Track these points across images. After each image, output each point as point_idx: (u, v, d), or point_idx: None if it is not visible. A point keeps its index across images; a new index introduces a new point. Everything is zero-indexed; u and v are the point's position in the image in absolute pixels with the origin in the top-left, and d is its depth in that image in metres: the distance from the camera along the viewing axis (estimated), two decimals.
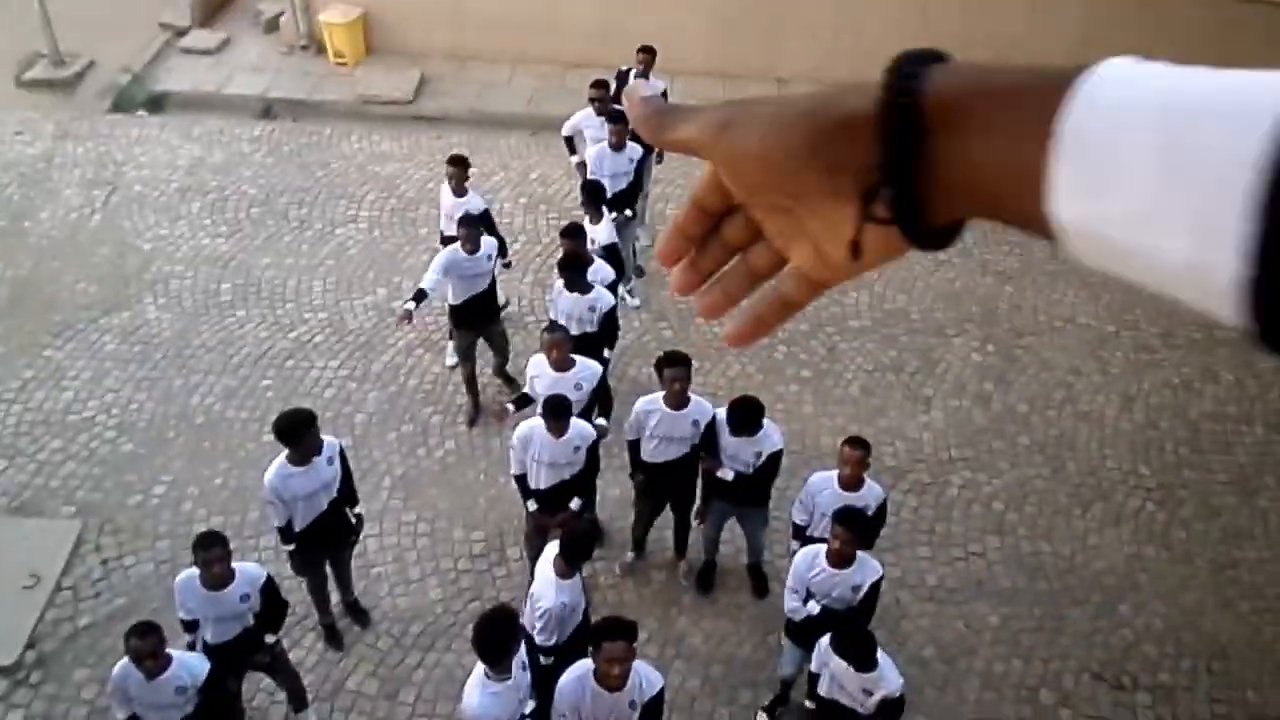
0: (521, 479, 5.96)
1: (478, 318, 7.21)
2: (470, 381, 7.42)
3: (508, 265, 7.75)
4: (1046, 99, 0.47)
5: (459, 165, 7.64)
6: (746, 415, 5.79)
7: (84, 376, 7.86)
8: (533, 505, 5.95)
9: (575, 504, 5.87)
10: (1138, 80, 0.46)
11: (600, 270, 6.89)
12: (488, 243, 7.07)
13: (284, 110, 11.14)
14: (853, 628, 5.00)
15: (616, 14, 11.35)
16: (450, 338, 7.70)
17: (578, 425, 5.76)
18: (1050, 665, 6.52)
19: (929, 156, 0.53)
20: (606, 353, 6.91)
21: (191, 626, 5.14)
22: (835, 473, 5.71)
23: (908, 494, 7.36)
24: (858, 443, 5.68)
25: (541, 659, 5.16)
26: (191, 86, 11.40)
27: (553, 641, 5.20)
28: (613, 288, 6.98)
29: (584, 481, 5.95)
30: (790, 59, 11.41)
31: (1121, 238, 0.45)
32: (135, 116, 10.96)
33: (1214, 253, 0.40)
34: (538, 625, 5.13)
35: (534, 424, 5.75)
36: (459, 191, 7.64)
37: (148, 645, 4.55)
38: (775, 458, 6.00)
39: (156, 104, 11.18)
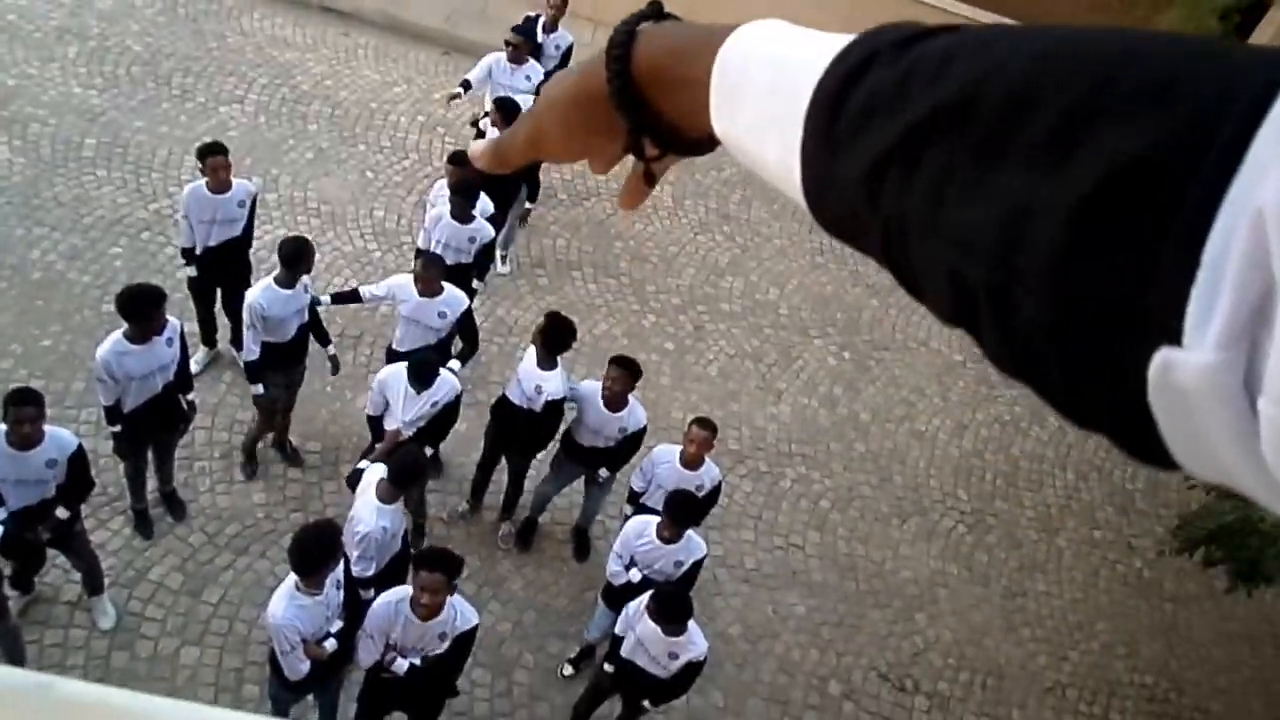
0: (375, 420, 5.78)
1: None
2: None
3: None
4: (715, 46, 0.60)
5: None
6: (558, 339, 5.89)
7: None
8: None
9: (428, 450, 5.69)
10: (768, 31, 0.59)
11: (484, 203, 6.81)
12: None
13: None
14: (674, 590, 5.15)
15: None
16: None
17: (442, 380, 5.62)
18: (844, 659, 6.88)
19: (654, 106, 0.66)
20: (476, 284, 6.85)
21: None
22: (679, 448, 5.84)
23: (744, 479, 7.60)
24: (705, 423, 5.82)
25: (361, 593, 5.10)
26: None
27: (371, 572, 5.15)
28: (493, 223, 6.90)
29: (438, 432, 5.84)
30: None
31: (745, 145, 0.58)
32: None
33: (790, 156, 0.53)
34: (356, 552, 5.07)
35: (397, 371, 5.60)
36: (463, 219, 6.64)
37: None
38: (637, 437, 6.07)
39: None
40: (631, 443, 6.10)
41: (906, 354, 9.23)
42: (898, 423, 8.57)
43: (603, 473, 6.22)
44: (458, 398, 5.77)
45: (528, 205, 8.19)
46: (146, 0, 9.86)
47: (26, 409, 4.65)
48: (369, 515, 5.05)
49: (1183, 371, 0.33)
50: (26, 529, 4.91)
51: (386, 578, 5.22)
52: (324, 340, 6.21)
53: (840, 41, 0.52)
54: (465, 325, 6.29)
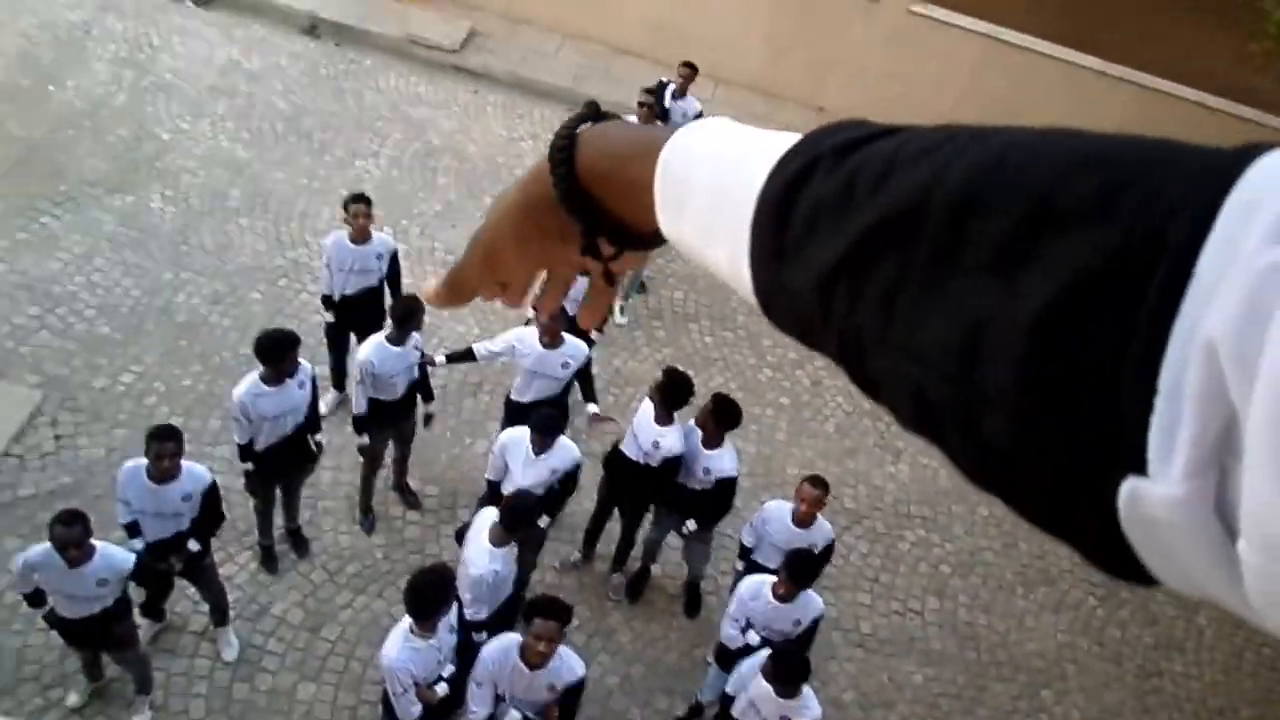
0: (494, 485, 5.81)
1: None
2: None
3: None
4: (656, 149, 0.61)
5: None
6: (727, 415, 5.79)
7: (76, 250, 7.79)
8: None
9: (544, 522, 5.67)
10: (708, 133, 0.59)
11: None
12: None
13: (329, 32, 11.06)
14: (792, 650, 5.02)
15: (675, 11, 11.33)
16: None
17: (562, 446, 5.63)
18: None
19: (603, 206, 0.67)
20: (594, 335, 6.91)
21: (133, 530, 5.08)
22: (791, 505, 5.73)
23: (859, 539, 7.40)
24: (818, 482, 5.68)
25: (474, 635, 5.14)
26: None
27: (483, 615, 5.18)
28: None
29: (555, 502, 5.82)
30: (834, 94, 11.42)
31: (694, 247, 0.58)
32: (182, 5, 10.84)
33: (739, 263, 0.52)
34: (468, 595, 5.11)
35: (517, 435, 5.65)
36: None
37: (73, 534, 4.50)
38: (726, 485, 5.96)
39: None
40: (721, 492, 5.98)
41: None
42: None
43: (689, 525, 6.11)
44: (577, 466, 5.77)
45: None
46: (292, 61, 10.42)
47: (168, 444, 4.87)
48: (481, 559, 5.09)
49: (1150, 502, 0.32)
50: (160, 559, 5.13)
51: (498, 622, 5.24)
52: (428, 396, 6.31)
53: (782, 144, 0.52)
54: (583, 375, 6.35)
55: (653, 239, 0.67)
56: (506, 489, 5.65)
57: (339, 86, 10.25)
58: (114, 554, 4.79)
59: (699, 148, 0.59)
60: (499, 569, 5.11)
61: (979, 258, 0.38)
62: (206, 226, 8.29)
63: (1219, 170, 0.33)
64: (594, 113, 0.72)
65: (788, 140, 0.52)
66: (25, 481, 6.28)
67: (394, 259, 6.64)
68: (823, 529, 5.76)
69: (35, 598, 4.85)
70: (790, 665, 4.83)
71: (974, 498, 8.00)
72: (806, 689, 4.88)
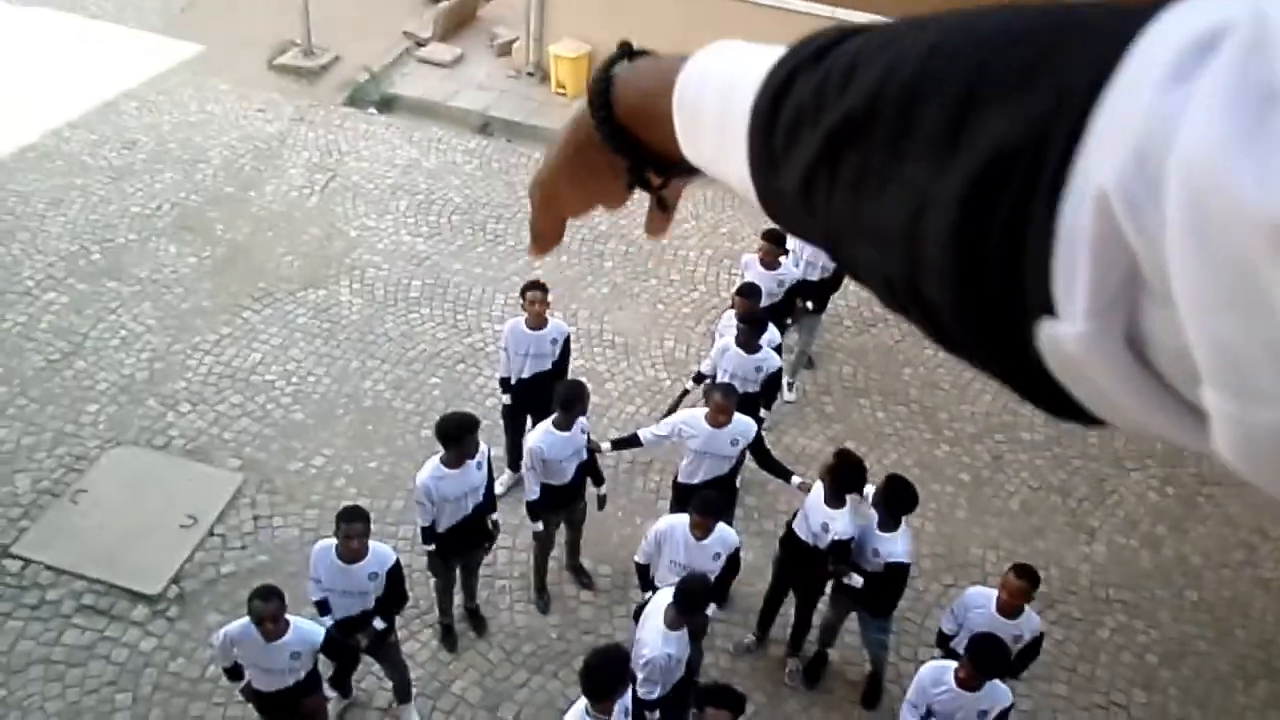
0: (644, 569, 5.78)
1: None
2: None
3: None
4: (674, 80, 0.63)
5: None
6: (901, 498, 5.59)
7: (273, 343, 8.34)
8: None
9: (712, 610, 5.53)
10: (715, 56, 0.61)
11: (770, 333, 6.85)
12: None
13: (500, 129, 11.64)
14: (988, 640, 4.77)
15: None
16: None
17: (722, 530, 5.59)
18: None
19: (644, 140, 0.70)
20: (763, 412, 6.84)
21: (323, 607, 5.29)
22: (995, 592, 5.42)
23: (1054, 625, 6.92)
24: (1025, 572, 5.35)
25: (646, 714, 5.07)
26: (421, 94, 12.06)
27: (655, 695, 5.11)
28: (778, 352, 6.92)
29: (719, 590, 5.73)
30: None
31: (715, 170, 0.62)
32: (366, 113, 11.67)
33: (744, 172, 0.55)
34: (640, 675, 5.05)
35: (675, 521, 5.63)
36: (749, 349, 6.67)
37: (270, 608, 4.73)
38: (895, 570, 5.70)
39: (387, 104, 11.88)
40: (891, 577, 5.71)
41: (1243, 490, 8.19)
42: (1236, 569, 7.56)
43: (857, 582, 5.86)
44: (738, 550, 5.69)
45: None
46: (466, 158, 11.00)
47: (356, 525, 5.08)
48: (655, 640, 5.03)
49: (1063, 341, 0.34)
50: (349, 636, 5.31)
51: (671, 708, 5.15)
52: (598, 480, 6.36)
53: (773, 58, 0.54)
54: (763, 456, 6.30)
55: (695, 168, 0.70)
56: (659, 578, 5.59)
57: (511, 180, 10.72)
58: (306, 628, 5.00)
59: (705, 73, 0.62)
60: (673, 652, 5.04)
61: (923, 143, 0.40)
62: (390, 316, 8.74)
63: (1133, 23, 0.33)
64: (627, 51, 0.74)
65: (777, 53, 0.55)
66: (227, 560, 6.66)
67: (566, 343, 6.81)
68: (1031, 621, 5.42)
69: (234, 671, 5.10)
70: (988, 652, 4.70)
71: (1180, 581, 7.40)
72: None
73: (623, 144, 0.72)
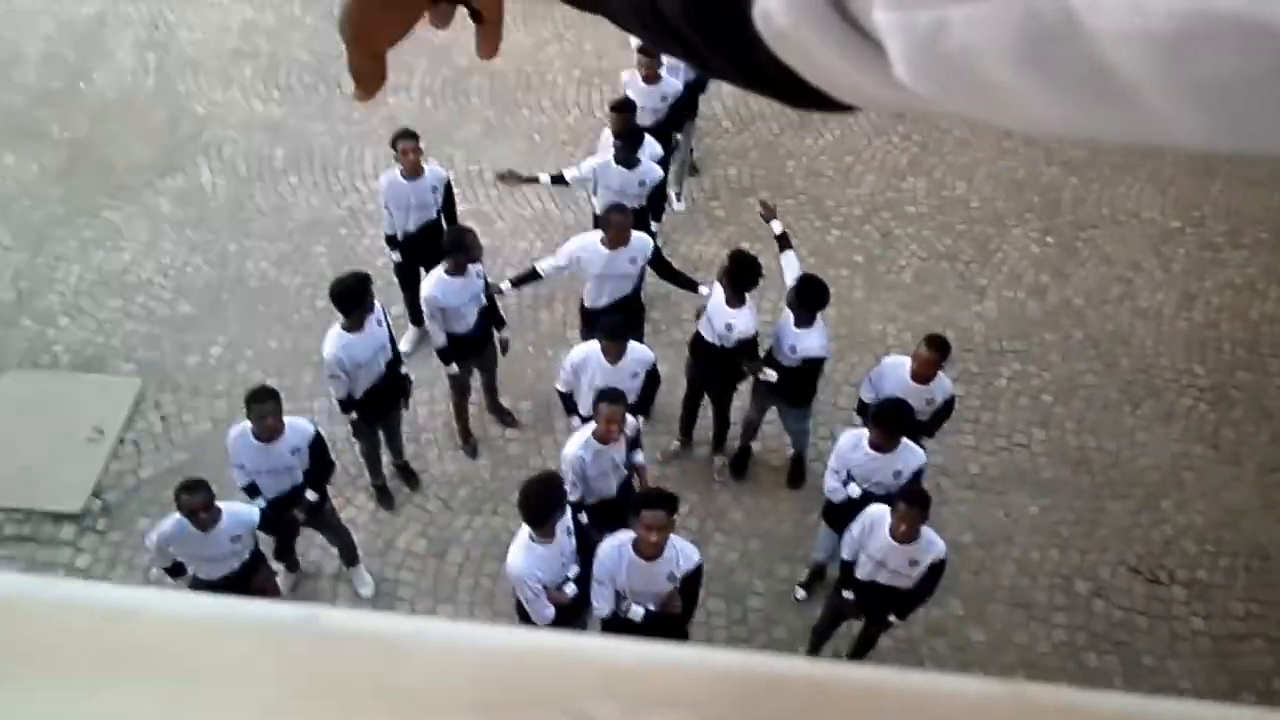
0: (568, 396, 5.87)
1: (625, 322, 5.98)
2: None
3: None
4: None
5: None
6: (814, 296, 5.73)
7: (141, 238, 7.97)
8: (577, 422, 5.73)
9: (640, 421, 5.66)
10: None
11: (650, 145, 6.78)
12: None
13: None
14: (912, 491, 5.02)
15: None
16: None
17: (635, 350, 5.66)
18: (1087, 556, 6.57)
19: None
20: (654, 225, 6.86)
21: (252, 491, 5.30)
22: (908, 360, 5.67)
23: (955, 383, 7.24)
24: (934, 342, 5.56)
25: (581, 519, 5.29)
26: None
27: (576, 496, 5.29)
28: (661, 164, 6.86)
29: (642, 406, 5.86)
30: None
31: None
32: None
33: None
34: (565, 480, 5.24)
35: (589, 349, 5.67)
36: (629, 164, 6.63)
37: (199, 499, 4.71)
38: (814, 364, 5.90)
39: None
40: (809, 369, 5.92)
41: (1116, 228, 8.61)
42: (1116, 303, 8.03)
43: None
44: (654, 364, 5.80)
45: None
46: (304, 10, 10.32)
47: (267, 404, 5.04)
48: (571, 444, 5.29)
49: (772, 15, 0.35)
50: (284, 513, 5.35)
51: (605, 519, 5.38)
52: (499, 323, 6.33)
53: None
54: (662, 267, 6.35)
55: None
56: (583, 403, 5.70)
57: None
58: (239, 510, 5.02)
59: None
60: (585, 455, 5.24)
61: None
62: (259, 191, 8.39)
63: None
64: None
65: None
66: (144, 465, 6.57)
67: (448, 189, 6.65)
68: (942, 384, 5.68)
69: (175, 569, 5.12)
70: (892, 415, 4.86)
71: (1066, 323, 7.84)
72: (926, 529, 4.91)
73: None
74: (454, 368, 6.22)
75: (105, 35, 9.93)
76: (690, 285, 6.48)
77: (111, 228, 8.04)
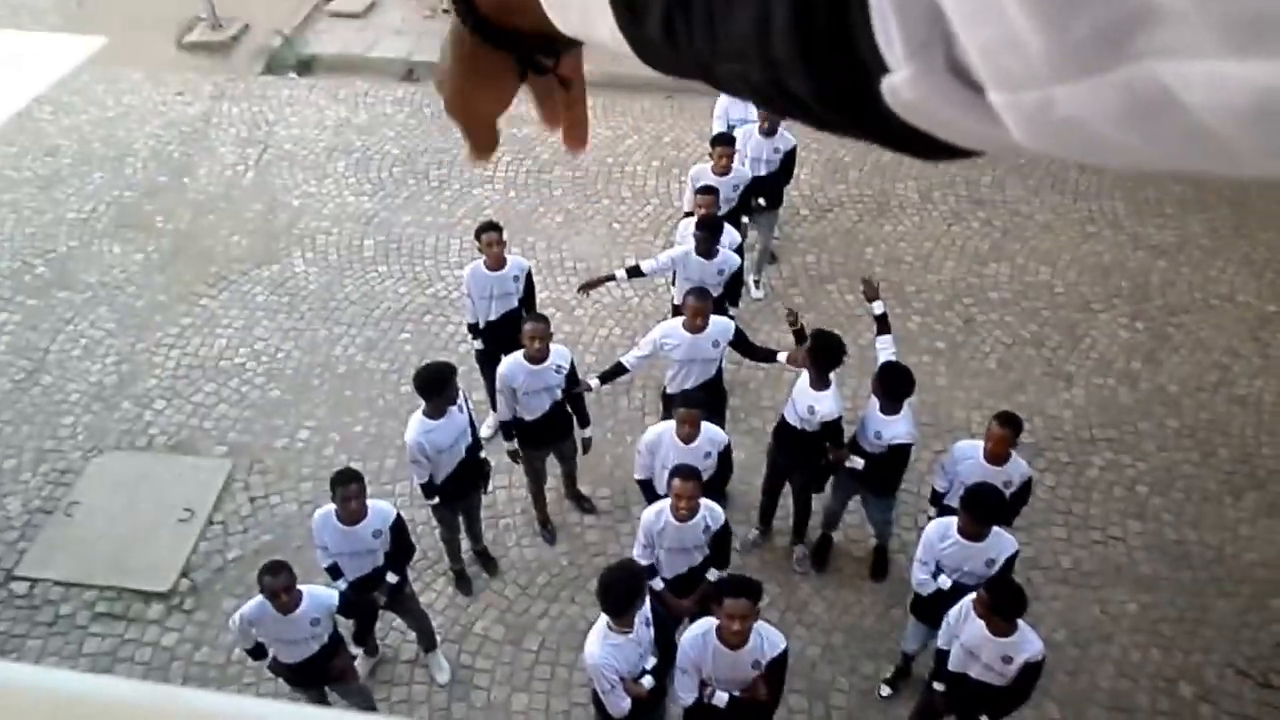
0: (646, 484, 5.87)
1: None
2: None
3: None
4: None
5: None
6: (897, 383, 5.66)
7: (236, 325, 8.27)
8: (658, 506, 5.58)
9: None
10: None
11: (729, 234, 6.85)
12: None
13: (425, 73, 11.40)
14: (1005, 578, 4.86)
15: None
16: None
17: (709, 431, 5.65)
18: (1191, 657, 6.23)
19: (522, 29, 0.70)
20: (731, 311, 6.89)
21: (335, 572, 5.35)
22: (981, 443, 5.54)
23: (1044, 472, 7.10)
24: (1006, 420, 5.44)
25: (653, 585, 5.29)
26: (339, 49, 11.78)
27: (647, 558, 5.33)
28: (739, 252, 6.93)
29: (716, 488, 5.83)
30: None
31: (586, 34, 0.60)
32: (286, 78, 11.40)
33: (615, 30, 0.54)
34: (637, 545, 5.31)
35: (662, 429, 5.69)
36: (709, 255, 6.68)
37: (280, 581, 4.77)
38: (899, 451, 5.78)
39: (306, 66, 11.60)
40: (895, 457, 5.79)
41: (1210, 313, 8.36)
42: (1212, 390, 7.75)
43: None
44: (728, 447, 5.78)
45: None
46: (396, 107, 10.79)
47: (352, 486, 5.11)
48: (648, 512, 5.30)
49: (901, 90, 0.37)
50: (364, 595, 5.38)
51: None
52: (583, 422, 6.35)
53: None
54: (745, 347, 6.38)
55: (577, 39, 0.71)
56: (660, 484, 5.68)
57: (445, 122, 10.44)
58: (319, 593, 5.06)
59: None
60: (661, 519, 5.24)
61: None
62: (349, 279, 8.67)
63: None
64: None
65: None
66: (231, 545, 6.70)
67: (529, 279, 6.78)
68: (1018, 466, 5.53)
69: (257, 650, 5.17)
70: (1005, 596, 4.67)
71: (1160, 411, 7.59)
72: (1023, 624, 4.72)
73: (501, 38, 0.72)
74: (515, 444, 6.26)
75: (210, 133, 10.48)
76: (769, 356, 6.46)
77: (209, 314, 8.37)
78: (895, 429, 5.69)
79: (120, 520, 6.84)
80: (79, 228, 9.31)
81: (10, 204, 9.58)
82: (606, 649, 4.68)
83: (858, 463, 5.88)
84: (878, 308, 6.18)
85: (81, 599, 6.43)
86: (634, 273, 6.99)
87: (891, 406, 5.69)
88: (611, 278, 7.08)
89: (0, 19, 12.67)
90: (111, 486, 7.09)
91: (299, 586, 4.91)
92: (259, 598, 4.87)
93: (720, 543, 5.36)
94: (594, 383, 6.41)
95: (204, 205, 9.53)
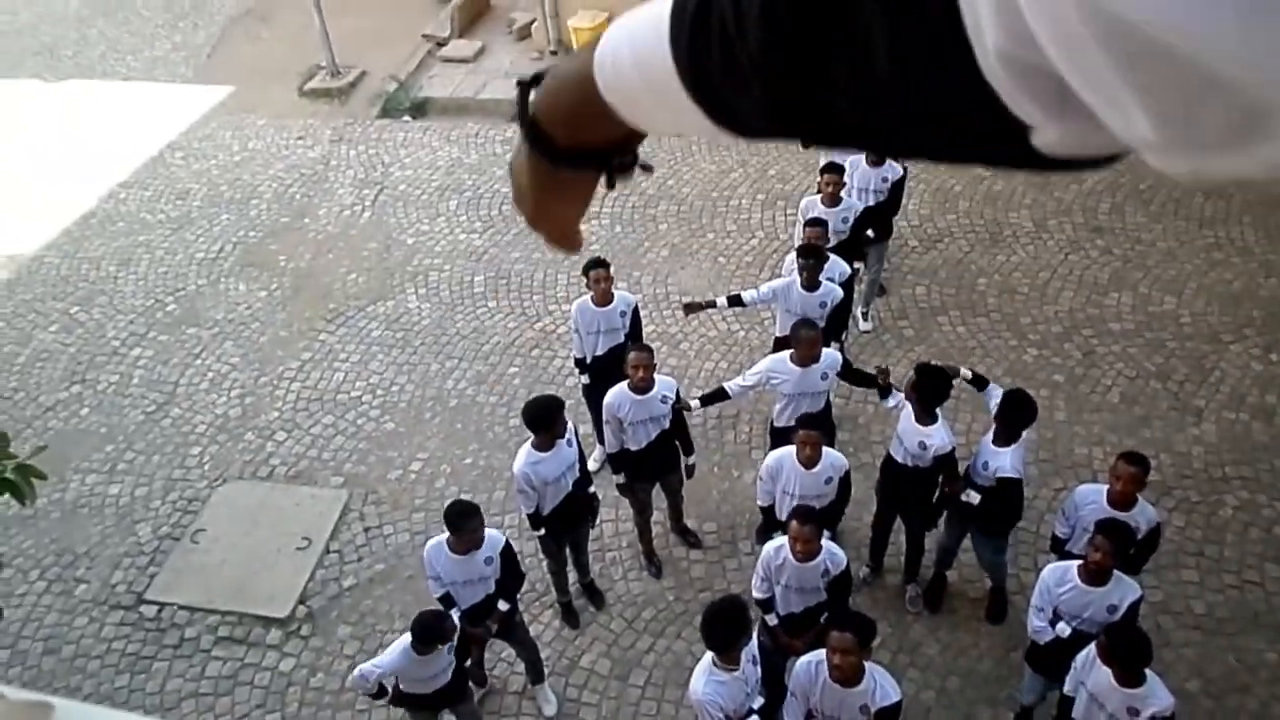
0: (769, 510, 5.84)
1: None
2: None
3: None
4: (587, 67, 0.67)
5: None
6: (1017, 410, 5.50)
7: (353, 359, 8.53)
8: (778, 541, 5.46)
9: (825, 536, 5.44)
10: (617, 26, 0.65)
11: (836, 265, 6.77)
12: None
13: None
14: (1127, 625, 4.63)
15: None
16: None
17: (830, 456, 5.60)
18: None
19: (590, 141, 0.73)
20: (834, 344, 6.80)
21: (447, 601, 5.40)
22: (1105, 487, 5.30)
23: (1173, 512, 6.77)
24: (1134, 459, 5.18)
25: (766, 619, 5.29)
26: (451, 92, 12.14)
27: (763, 593, 5.33)
28: (846, 285, 6.82)
29: (834, 515, 5.77)
30: None
31: (657, 123, 0.65)
32: (401, 122, 11.79)
33: (694, 112, 0.58)
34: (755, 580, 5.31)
35: (783, 454, 5.65)
36: (812, 286, 6.65)
37: (444, 629, 4.98)
38: (1008, 485, 5.55)
39: (420, 109, 11.98)
40: (1004, 492, 5.56)
41: None
42: None
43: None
44: (848, 472, 5.68)
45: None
46: (506, 147, 11.03)
47: (474, 520, 5.19)
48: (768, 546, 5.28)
49: (1050, 143, 0.44)
50: (478, 624, 5.45)
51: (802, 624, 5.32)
52: (688, 449, 6.35)
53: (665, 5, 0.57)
54: (851, 377, 6.31)
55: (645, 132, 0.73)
56: (781, 510, 5.62)
57: None
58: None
59: (614, 47, 0.64)
60: (781, 557, 5.18)
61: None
62: (460, 315, 8.87)
63: None
64: (533, 80, 0.75)
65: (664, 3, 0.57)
66: (346, 573, 6.87)
67: (635, 314, 6.82)
68: (1145, 511, 5.26)
69: (379, 692, 5.20)
70: (1126, 644, 4.45)
71: None
72: (1150, 674, 4.49)
73: (581, 160, 0.73)
74: (622, 476, 6.29)
75: (329, 175, 10.91)
76: (871, 381, 6.32)
77: (327, 349, 8.66)
78: (1002, 460, 5.51)
79: (242, 548, 7.10)
80: (207, 267, 9.77)
81: (145, 244, 10.12)
82: (712, 686, 4.62)
83: (974, 497, 5.70)
84: (966, 373, 6.05)
85: (205, 623, 6.67)
86: (734, 301, 6.99)
87: (1005, 436, 5.52)
88: (713, 304, 7.09)
89: (137, 72, 13.48)
90: (235, 515, 7.36)
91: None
92: (400, 651, 4.97)
93: (839, 587, 5.25)
94: (695, 404, 6.43)
95: (323, 244, 9.90)
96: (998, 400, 5.68)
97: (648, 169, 0.80)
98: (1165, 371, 7.77)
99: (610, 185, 0.78)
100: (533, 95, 0.74)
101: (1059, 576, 5.03)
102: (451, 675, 5.20)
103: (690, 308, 7.13)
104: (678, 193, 10.02)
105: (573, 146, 0.72)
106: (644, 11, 0.62)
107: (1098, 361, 7.88)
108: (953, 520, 6.09)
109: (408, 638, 4.96)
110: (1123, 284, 8.55)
